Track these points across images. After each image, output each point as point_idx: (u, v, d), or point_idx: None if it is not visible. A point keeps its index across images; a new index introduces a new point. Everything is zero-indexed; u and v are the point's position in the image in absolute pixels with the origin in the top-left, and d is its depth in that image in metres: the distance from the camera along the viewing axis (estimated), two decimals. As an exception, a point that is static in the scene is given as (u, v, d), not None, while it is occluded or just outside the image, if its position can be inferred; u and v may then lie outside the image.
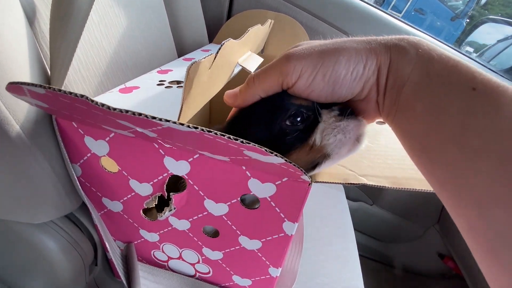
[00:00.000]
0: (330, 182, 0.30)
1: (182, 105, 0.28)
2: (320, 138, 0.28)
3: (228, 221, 0.36)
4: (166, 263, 0.47)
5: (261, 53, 0.81)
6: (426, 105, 0.21)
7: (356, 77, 0.24)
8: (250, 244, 0.38)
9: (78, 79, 0.45)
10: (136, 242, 0.45)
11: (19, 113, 0.31)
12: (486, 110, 0.18)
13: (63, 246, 0.43)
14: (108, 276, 0.56)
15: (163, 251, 0.45)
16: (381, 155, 0.36)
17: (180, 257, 0.45)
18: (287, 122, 0.29)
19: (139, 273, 0.43)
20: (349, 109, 0.28)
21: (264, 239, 0.37)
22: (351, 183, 0.30)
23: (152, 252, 0.46)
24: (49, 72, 0.37)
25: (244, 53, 0.52)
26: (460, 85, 0.19)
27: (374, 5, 0.94)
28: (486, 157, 0.17)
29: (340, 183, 0.30)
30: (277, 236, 0.36)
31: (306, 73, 0.25)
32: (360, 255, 0.69)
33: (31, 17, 0.38)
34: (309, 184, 0.30)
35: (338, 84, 0.25)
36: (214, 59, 0.31)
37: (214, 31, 0.86)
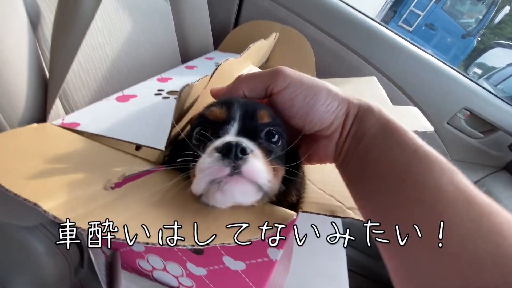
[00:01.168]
0: (317, 213, 0.30)
1: (172, 125, 0.28)
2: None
3: (213, 240, 0.36)
4: (150, 273, 0.47)
5: (264, 63, 0.81)
6: (379, 154, 0.25)
7: (329, 110, 0.28)
8: (234, 264, 0.38)
9: (77, 83, 0.45)
10: (121, 250, 0.45)
11: (14, 121, 0.32)
12: (422, 167, 0.22)
13: (50, 249, 0.43)
14: (94, 278, 0.56)
15: (147, 261, 0.45)
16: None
17: (164, 269, 0.45)
18: (193, 140, 0.26)
19: (122, 281, 0.43)
20: (227, 146, 0.23)
21: (248, 262, 0.37)
22: (337, 216, 0.30)
23: (137, 261, 0.46)
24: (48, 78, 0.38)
25: (244, 68, 0.53)
26: (407, 145, 0.24)
27: (382, 23, 0.93)
28: (417, 206, 0.21)
29: (327, 215, 0.30)
30: (261, 260, 0.35)
31: (292, 87, 0.28)
32: (349, 270, 0.69)
33: (34, 22, 0.38)
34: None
35: (314, 109, 0.28)
36: (210, 79, 0.31)
37: (221, 37, 0.87)
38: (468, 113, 0.95)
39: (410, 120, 0.49)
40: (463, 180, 0.21)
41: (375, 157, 0.26)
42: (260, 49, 0.55)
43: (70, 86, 0.44)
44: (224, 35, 0.85)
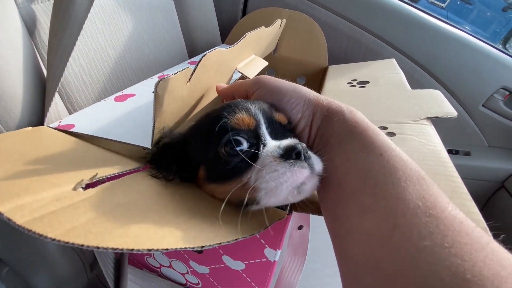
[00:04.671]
0: (312, 214, 0.27)
1: (154, 123, 0.27)
2: (254, 178, 0.24)
3: (211, 240, 0.35)
4: (158, 269, 0.48)
5: (273, 53, 0.78)
6: (342, 159, 0.24)
7: (294, 108, 0.29)
8: (234, 264, 0.36)
9: (80, 85, 0.46)
10: (129, 247, 0.46)
11: (11, 126, 0.33)
12: (383, 173, 0.21)
13: (62, 248, 0.45)
14: (112, 273, 0.58)
15: (154, 258, 0.45)
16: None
17: (170, 266, 0.45)
18: (223, 151, 0.25)
19: (128, 276, 0.43)
20: (295, 150, 0.24)
21: (247, 262, 0.35)
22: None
23: (145, 258, 0.47)
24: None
25: (244, 58, 0.50)
26: (373, 148, 0.23)
27: (406, 0, 0.85)
28: (368, 215, 0.20)
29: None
30: (259, 260, 0.34)
31: (261, 88, 0.31)
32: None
33: (31, 28, 0.39)
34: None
35: (278, 106, 0.30)
36: (193, 72, 0.30)
37: (229, 29, 0.84)
38: (507, 93, 0.84)
39: (430, 105, 0.44)
40: (434, 193, 0.19)
41: (338, 162, 0.24)
42: (260, 37, 0.52)
43: (73, 88, 0.45)
44: (232, 27, 0.83)
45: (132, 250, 0.17)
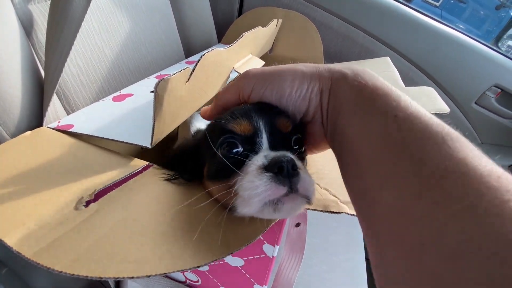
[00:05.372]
0: (309, 209, 0.28)
1: (154, 122, 0.28)
2: (238, 184, 0.23)
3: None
4: (158, 268, 0.48)
5: (269, 53, 0.79)
6: (355, 130, 0.22)
7: (300, 95, 0.26)
8: (233, 260, 0.37)
9: (78, 86, 0.46)
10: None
11: (10, 127, 0.33)
12: (403, 136, 0.19)
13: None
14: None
15: (154, 257, 0.46)
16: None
17: (169, 264, 0.45)
18: (220, 151, 0.25)
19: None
20: (279, 163, 0.22)
21: (245, 258, 0.36)
22: (331, 211, 0.28)
23: (144, 257, 0.47)
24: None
25: (241, 58, 0.51)
26: (385, 111, 0.20)
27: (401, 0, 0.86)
28: (391, 185, 0.18)
29: (320, 211, 0.28)
30: (258, 256, 0.34)
31: (257, 88, 0.27)
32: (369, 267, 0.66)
33: (28, 28, 0.39)
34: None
35: (284, 99, 0.27)
36: (192, 72, 0.30)
37: (225, 29, 0.85)
38: (499, 90, 0.85)
39: (423, 102, 0.45)
40: (463, 149, 0.17)
41: (351, 134, 0.22)
42: (257, 37, 0.53)
43: (71, 89, 0.45)
44: (228, 27, 0.83)
45: (132, 277, 0.17)
